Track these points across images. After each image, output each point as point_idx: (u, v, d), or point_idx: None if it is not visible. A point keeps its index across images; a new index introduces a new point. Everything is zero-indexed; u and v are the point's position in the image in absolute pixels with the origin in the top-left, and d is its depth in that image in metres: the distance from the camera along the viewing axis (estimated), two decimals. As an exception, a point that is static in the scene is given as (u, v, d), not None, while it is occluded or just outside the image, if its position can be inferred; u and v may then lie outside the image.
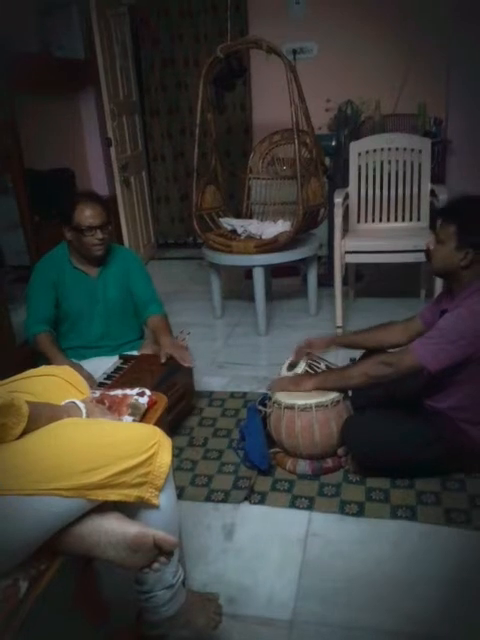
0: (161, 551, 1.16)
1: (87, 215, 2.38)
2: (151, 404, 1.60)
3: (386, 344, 2.34)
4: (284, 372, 2.37)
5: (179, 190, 5.33)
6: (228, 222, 3.75)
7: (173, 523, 1.32)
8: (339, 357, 2.74)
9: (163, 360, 2.42)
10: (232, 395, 2.83)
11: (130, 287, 2.60)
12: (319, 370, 2.33)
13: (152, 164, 5.29)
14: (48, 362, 2.32)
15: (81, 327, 2.55)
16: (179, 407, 2.51)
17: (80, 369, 2.33)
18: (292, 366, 2.39)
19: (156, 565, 1.17)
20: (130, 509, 1.24)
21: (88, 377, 2.30)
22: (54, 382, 1.41)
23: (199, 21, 4.74)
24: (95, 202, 2.42)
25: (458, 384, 2.02)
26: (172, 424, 2.39)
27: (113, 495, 1.16)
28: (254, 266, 3.47)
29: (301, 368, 2.34)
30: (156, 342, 2.58)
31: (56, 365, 2.22)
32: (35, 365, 1.86)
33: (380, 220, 3.65)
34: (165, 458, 1.24)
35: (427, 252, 2.11)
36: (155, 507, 1.24)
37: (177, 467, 2.26)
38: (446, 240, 1.98)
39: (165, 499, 1.27)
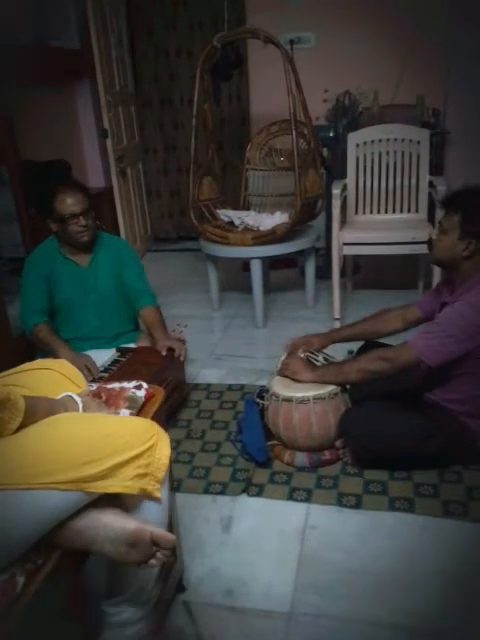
0: (159, 547, 1.16)
1: (68, 203, 2.37)
2: (148, 397, 1.60)
3: (383, 333, 2.34)
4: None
5: (170, 185, 5.24)
6: (225, 214, 3.73)
7: (165, 517, 1.32)
8: (337, 349, 2.73)
9: (164, 353, 2.42)
10: (230, 387, 2.82)
11: (122, 277, 2.59)
12: (317, 363, 2.33)
13: (144, 156, 5.20)
14: (50, 353, 2.33)
15: (75, 319, 2.55)
16: (172, 399, 2.51)
17: (85, 358, 2.33)
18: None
19: (153, 561, 1.16)
20: (127, 503, 1.23)
21: (92, 365, 2.31)
22: (50, 375, 1.40)
23: (193, 10, 4.68)
24: (74, 189, 2.41)
25: (458, 377, 2.02)
26: (165, 416, 2.39)
27: (113, 487, 1.16)
28: (251, 258, 3.46)
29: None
30: (150, 335, 2.58)
31: (60, 355, 2.23)
32: (33, 357, 1.85)
33: (378, 212, 3.63)
34: (165, 450, 1.24)
35: (429, 241, 2.10)
36: (157, 500, 1.24)
37: (175, 459, 2.26)
38: (449, 230, 1.97)
39: (163, 493, 1.26)
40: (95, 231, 2.51)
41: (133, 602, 1.30)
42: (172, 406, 2.54)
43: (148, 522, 1.17)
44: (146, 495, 1.22)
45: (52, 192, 2.41)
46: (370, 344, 2.43)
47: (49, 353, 2.35)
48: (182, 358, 2.49)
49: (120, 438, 1.18)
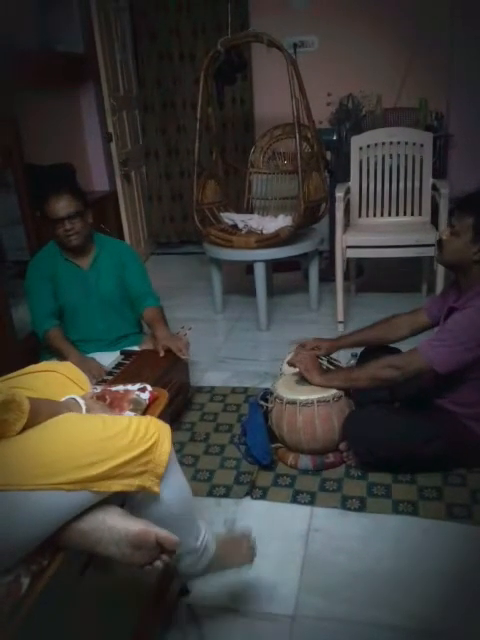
0: (163, 549, 1.16)
1: (54, 207, 2.40)
2: (152, 399, 1.60)
3: (391, 340, 2.33)
4: (285, 368, 2.36)
5: (172, 189, 5.22)
6: (229, 217, 3.74)
7: (182, 515, 1.33)
8: (341, 352, 2.73)
9: (162, 354, 2.42)
10: (233, 390, 2.82)
11: (125, 280, 2.60)
12: (323, 365, 2.32)
13: (146, 160, 5.15)
14: (59, 357, 2.34)
15: (79, 321, 2.56)
16: (176, 402, 2.51)
17: (92, 361, 2.34)
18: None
19: (157, 563, 1.17)
20: (134, 505, 1.24)
21: (98, 368, 2.32)
22: (55, 378, 1.41)
23: (197, 14, 4.69)
24: (65, 193, 2.42)
25: (465, 381, 2.01)
26: (169, 419, 2.39)
27: (115, 486, 1.16)
28: (255, 261, 3.46)
29: None
30: (153, 335, 2.58)
31: (69, 359, 2.24)
32: (37, 360, 1.86)
33: (381, 215, 3.63)
34: (165, 446, 1.24)
35: (439, 242, 2.08)
36: (156, 494, 1.24)
37: (178, 462, 2.25)
38: (461, 232, 1.95)
39: (170, 492, 1.26)
40: (92, 235, 2.53)
41: (185, 551, 1.39)
42: (176, 408, 2.54)
43: (157, 520, 1.18)
44: (145, 491, 1.22)
45: (46, 195, 2.44)
46: (374, 348, 2.43)
47: (58, 357, 2.36)
48: (183, 355, 2.46)
49: (124, 438, 1.18)
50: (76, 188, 2.54)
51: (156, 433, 1.22)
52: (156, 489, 1.23)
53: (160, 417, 1.52)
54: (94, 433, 1.18)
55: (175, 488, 1.30)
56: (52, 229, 2.45)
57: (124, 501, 1.24)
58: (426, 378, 2.07)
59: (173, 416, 2.50)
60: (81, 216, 2.44)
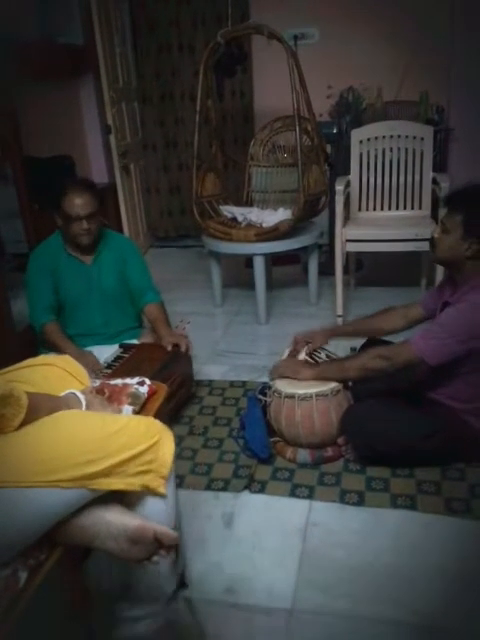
0: (161, 545, 1.16)
1: (75, 204, 2.37)
2: (151, 393, 1.60)
3: (386, 331, 2.34)
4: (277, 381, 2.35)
5: (170, 182, 5.18)
6: (228, 210, 3.73)
7: (173, 515, 1.32)
8: (339, 346, 2.73)
9: (169, 348, 2.44)
10: (232, 384, 2.82)
11: (126, 274, 2.59)
12: (319, 359, 2.33)
13: (144, 153, 5.11)
14: (56, 352, 2.33)
15: (79, 315, 2.55)
16: (178, 395, 2.51)
17: (89, 355, 2.34)
18: (293, 356, 2.38)
19: (155, 558, 1.17)
20: (133, 501, 1.24)
21: (95, 362, 2.31)
22: (54, 372, 1.40)
23: (196, 6, 4.65)
24: (85, 191, 2.40)
25: (460, 375, 2.01)
26: (172, 413, 2.39)
27: (116, 484, 1.16)
28: (254, 254, 3.46)
29: (302, 356, 2.34)
30: (154, 332, 2.59)
31: (67, 354, 2.23)
32: (36, 353, 1.85)
33: (381, 208, 3.62)
34: (170, 447, 1.25)
35: (432, 240, 2.08)
36: (163, 496, 1.24)
37: (177, 456, 2.23)
38: (452, 229, 1.94)
39: (169, 491, 1.26)
40: (99, 232, 2.52)
41: (145, 599, 1.31)
42: (179, 402, 2.53)
43: (153, 519, 1.18)
44: (150, 491, 1.22)
45: (63, 189, 2.41)
46: (372, 341, 2.43)
47: (55, 351, 2.35)
48: (190, 351, 2.49)
49: (122, 437, 1.18)
50: (95, 187, 2.51)
51: (157, 434, 1.23)
52: (162, 490, 1.23)
53: (159, 410, 1.52)
54: (94, 431, 1.18)
55: (171, 492, 1.30)
56: (66, 226, 2.42)
57: (122, 499, 1.24)
58: (420, 372, 2.07)
59: (176, 409, 2.51)
60: (96, 215, 2.44)
